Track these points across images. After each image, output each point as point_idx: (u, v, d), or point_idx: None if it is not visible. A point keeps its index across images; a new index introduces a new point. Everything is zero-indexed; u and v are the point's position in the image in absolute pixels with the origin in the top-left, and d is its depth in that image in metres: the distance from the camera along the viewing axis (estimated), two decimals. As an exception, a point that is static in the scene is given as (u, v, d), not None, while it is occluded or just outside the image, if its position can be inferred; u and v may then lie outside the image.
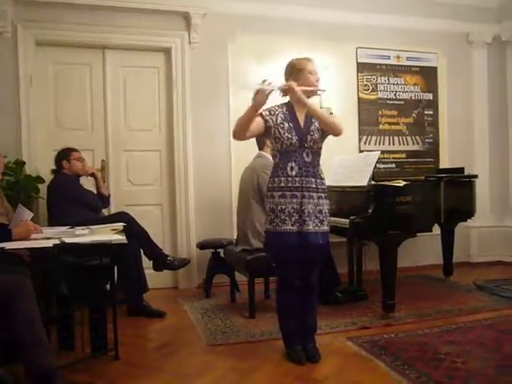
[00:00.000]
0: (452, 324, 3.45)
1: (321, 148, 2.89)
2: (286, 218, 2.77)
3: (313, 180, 2.81)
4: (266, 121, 2.81)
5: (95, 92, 4.77)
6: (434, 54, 5.71)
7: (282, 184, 2.80)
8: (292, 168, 2.80)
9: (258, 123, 2.78)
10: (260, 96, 2.62)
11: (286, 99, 2.90)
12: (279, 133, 2.80)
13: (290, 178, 2.79)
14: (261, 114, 2.79)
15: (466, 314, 3.73)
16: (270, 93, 2.63)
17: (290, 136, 2.78)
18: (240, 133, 2.76)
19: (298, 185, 2.78)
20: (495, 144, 5.91)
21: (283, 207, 2.78)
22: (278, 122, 2.82)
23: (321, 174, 2.88)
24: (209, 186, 4.92)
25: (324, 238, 2.85)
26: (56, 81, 4.65)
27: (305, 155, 2.81)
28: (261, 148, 4.03)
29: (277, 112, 2.84)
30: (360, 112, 5.46)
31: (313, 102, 2.84)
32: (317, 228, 2.80)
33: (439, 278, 4.99)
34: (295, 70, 2.86)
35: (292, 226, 2.77)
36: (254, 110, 2.68)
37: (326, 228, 2.86)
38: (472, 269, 5.54)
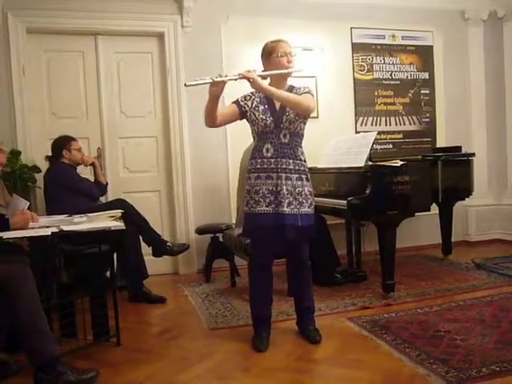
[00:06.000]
0: (451, 302, 3.47)
1: (301, 129, 2.85)
2: (261, 200, 2.76)
3: (290, 161, 2.78)
4: (241, 106, 2.84)
5: (88, 79, 4.72)
6: (430, 33, 5.66)
7: (258, 166, 2.81)
8: (268, 149, 2.79)
9: (232, 110, 2.84)
10: (215, 88, 2.63)
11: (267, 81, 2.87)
12: (254, 115, 2.81)
13: (265, 160, 2.79)
14: (237, 101, 2.86)
15: (465, 291, 3.75)
16: (224, 84, 2.64)
17: (264, 117, 2.79)
18: (208, 122, 2.79)
19: (273, 166, 2.77)
20: (493, 122, 5.88)
21: (257, 188, 2.78)
22: (254, 105, 2.83)
23: (300, 156, 2.84)
24: (206, 171, 4.91)
25: (306, 220, 2.79)
26: (49, 69, 4.60)
27: (282, 136, 2.79)
28: None
29: (253, 97, 2.86)
30: (356, 93, 5.42)
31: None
32: (295, 210, 2.76)
33: (438, 257, 5.02)
34: (266, 54, 2.86)
35: (266, 207, 2.76)
36: (211, 101, 2.70)
37: (307, 210, 2.81)
38: (470, 247, 5.56)
